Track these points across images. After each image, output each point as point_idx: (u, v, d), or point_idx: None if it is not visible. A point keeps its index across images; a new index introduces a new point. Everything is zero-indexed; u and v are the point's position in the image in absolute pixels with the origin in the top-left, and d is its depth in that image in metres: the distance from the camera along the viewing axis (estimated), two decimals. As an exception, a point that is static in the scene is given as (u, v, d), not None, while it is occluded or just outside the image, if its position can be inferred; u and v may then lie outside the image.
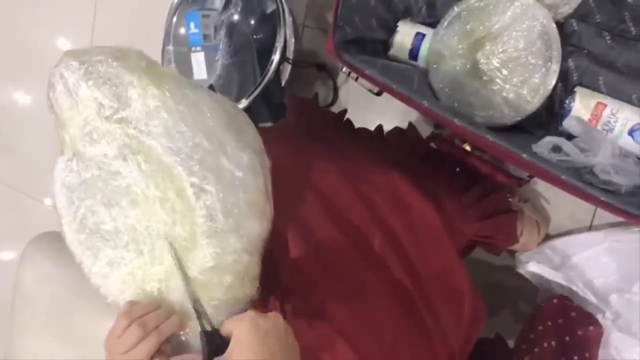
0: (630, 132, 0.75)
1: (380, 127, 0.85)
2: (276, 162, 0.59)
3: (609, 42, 0.78)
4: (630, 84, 0.77)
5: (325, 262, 0.65)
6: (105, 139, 0.57)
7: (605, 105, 0.76)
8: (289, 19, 0.99)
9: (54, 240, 0.95)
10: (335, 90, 1.01)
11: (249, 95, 0.96)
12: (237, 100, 0.98)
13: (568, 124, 0.75)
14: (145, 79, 0.52)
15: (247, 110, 0.98)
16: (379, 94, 0.81)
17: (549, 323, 0.78)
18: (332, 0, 0.80)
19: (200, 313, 0.55)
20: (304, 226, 0.64)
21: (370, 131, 0.83)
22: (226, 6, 1.03)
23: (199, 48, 1.04)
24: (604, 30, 0.78)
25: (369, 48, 0.89)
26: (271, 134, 0.73)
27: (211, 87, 0.84)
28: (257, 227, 0.57)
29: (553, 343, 0.76)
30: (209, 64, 1.04)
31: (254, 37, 1.00)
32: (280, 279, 0.64)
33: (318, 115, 0.83)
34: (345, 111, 0.88)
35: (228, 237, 0.56)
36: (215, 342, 0.54)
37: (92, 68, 0.55)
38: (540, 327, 0.80)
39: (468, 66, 0.83)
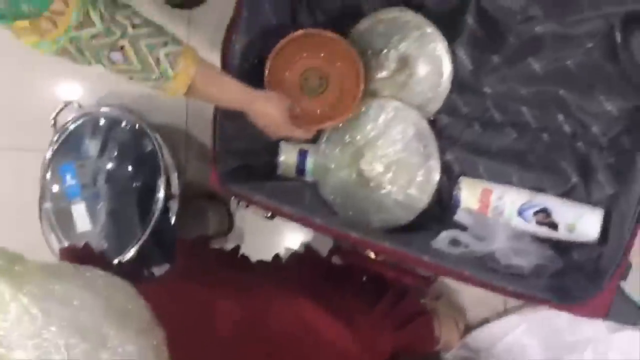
0: (520, 213, 0.77)
1: (277, 256, 0.82)
2: (170, 316, 0.53)
3: (479, 131, 0.82)
4: (508, 166, 0.80)
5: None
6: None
7: (491, 191, 0.79)
8: (168, 155, 0.97)
9: None
10: (230, 217, 0.99)
11: (137, 242, 0.92)
12: (125, 248, 0.93)
13: (460, 217, 0.76)
14: (1, 284, 0.46)
15: (138, 256, 0.93)
16: (271, 217, 0.79)
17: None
18: (209, 128, 0.79)
19: None
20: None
21: (267, 263, 0.80)
22: (102, 152, 1.00)
23: (78, 199, 0.99)
24: (473, 120, 0.82)
25: (257, 171, 0.87)
26: (163, 283, 0.68)
27: (86, 247, 0.79)
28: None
29: None
30: (92, 213, 0.99)
31: (135, 178, 0.97)
32: None
33: (210, 257, 0.80)
34: (238, 247, 0.86)
35: None
36: None
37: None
38: None
39: (354, 175, 0.83)
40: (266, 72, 0.82)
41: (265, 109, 0.72)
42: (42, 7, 0.54)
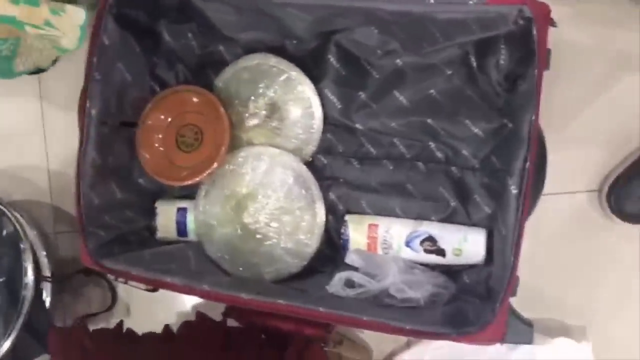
0: (407, 243, 0.77)
1: (167, 327, 0.77)
2: None
3: (358, 167, 0.82)
4: (390, 199, 0.80)
5: None
6: None
7: (377, 225, 0.78)
8: (33, 233, 0.88)
9: None
10: (113, 290, 0.92)
11: (9, 335, 0.82)
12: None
13: (350, 259, 0.75)
14: None
15: (14, 351, 0.84)
16: (154, 290, 0.74)
17: None
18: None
19: None
20: None
21: (156, 334, 0.75)
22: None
23: None
24: (350, 157, 0.82)
25: (134, 239, 0.82)
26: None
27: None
28: None
29: None
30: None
31: (-1, 264, 0.88)
32: None
33: (91, 341, 0.73)
34: (122, 322, 0.79)
35: None
36: None
37: None
38: None
39: (239, 230, 0.80)
40: (137, 138, 0.78)
41: None
42: None
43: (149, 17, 0.79)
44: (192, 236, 0.83)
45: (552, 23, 0.64)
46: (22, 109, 0.93)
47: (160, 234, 0.84)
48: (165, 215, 0.84)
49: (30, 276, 0.87)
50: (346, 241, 0.79)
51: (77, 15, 0.68)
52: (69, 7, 0.68)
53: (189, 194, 0.84)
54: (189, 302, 0.93)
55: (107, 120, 0.74)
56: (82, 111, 0.73)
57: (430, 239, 0.77)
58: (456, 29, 0.70)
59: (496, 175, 0.75)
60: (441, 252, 0.76)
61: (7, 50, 0.71)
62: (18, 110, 0.93)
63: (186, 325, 0.76)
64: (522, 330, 0.65)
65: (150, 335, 0.76)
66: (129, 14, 0.75)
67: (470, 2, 0.63)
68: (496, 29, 0.67)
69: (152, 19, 0.80)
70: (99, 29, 0.71)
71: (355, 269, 0.75)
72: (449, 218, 0.78)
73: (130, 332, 0.77)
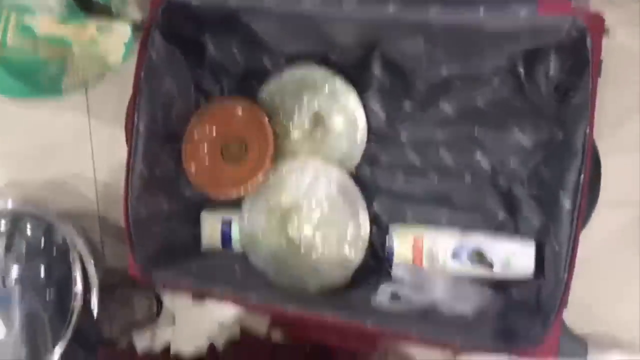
0: (454, 256, 0.76)
1: (213, 347, 0.77)
2: None
3: (402, 177, 0.81)
4: (435, 210, 0.79)
5: None
6: None
7: (422, 237, 0.77)
8: (81, 244, 0.90)
9: None
10: (158, 299, 0.93)
11: (58, 345, 0.84)
12: (46, 353, 0.84)
13: (396, 274, 0.74)
14: None
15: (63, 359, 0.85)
16: (200, 300, 0.74)
17: None
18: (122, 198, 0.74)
19: None
20: None
21: (202, 358, 0.75)
22: (8, 250, 0.92)
23: (-14, 304, 0.90)
24: (394, 169, 0.81)
25: (180, 250, 0.82)
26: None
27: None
28: None
29: None
30: (5, 319, 0.90)
31: (49, 274, 0.89)
32: None
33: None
34: (169, 347, 0.80)
35: None
36: None
37: None
38: None
39: (284, 242, 0.80)
40: (183, 151, 0.79)
41: None
42: None
43: (194, 30, 0.80)
44: (236, 247, 0.84)
45: (606, 33, 0.62)
46: (70, 122, 0.95)
47: (205, 245, 0.85)
48: (210, 226, 0.84)
49: (79, 286, 0.88)
50: (391, 253, 0.78)
51: (123, 32, 0.70)
52: (116, 25, 0.69)
53: (234, 204, 0.84)
54: (232, 313, 0.93)
55: (154, 133, 0.75)
56: (130, 125, 0.74)
57: (478, 251, 0.75)
58: (505, 40, 0.68)
59: (546, 187, 0.73)
60: (489, 265, 0.75)
61: (55, 70, 0.72)
62: (66, 123, 0.95)
63: (231, 345, 0.76)
64: (575, 346, 0.64)
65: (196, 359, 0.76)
66: (175, 28, 0.76)
67: (522, 14, 0.61)
68: (547, 39, 0.66)
69: (198, 32, 0.81)
70: (146, 44, 0.72)
71: (401, 281, 0.74)
72: (497, 230, 0.77)
73: (176, 356, 0.78)
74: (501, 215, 0.77)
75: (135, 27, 0.72)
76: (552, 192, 0.67)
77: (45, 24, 0.64)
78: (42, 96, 0.75)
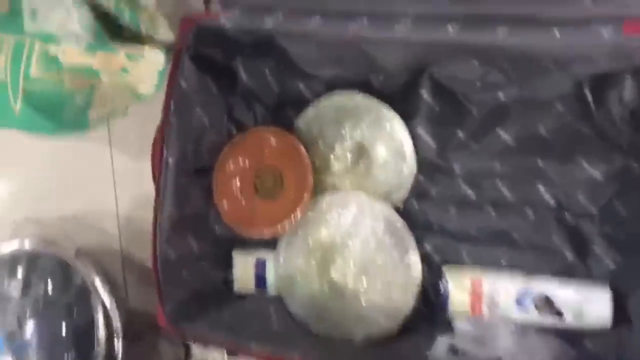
0: (518, 302, 0.68)
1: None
2: None
3: (455, 213, 0.73)
4: (494, 249, 0.71)
5: None
6: None
7: (481, 280, 0.69)
8: (103, 284, 0.83)
9: None
10: (186, 346, 0.86)
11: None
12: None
13: (454, 324, 0.66)
14: None
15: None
16: (233, 354, 0.67)
17: None
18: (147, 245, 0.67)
19: None
20: None
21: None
22: (25, 292, 0.86)
23: (2, 352, 0.84)
24: (446, 203, 0.74)
25: (211, 295, 0.75)
26: None
27: None
28: None
29: None
30: (22, 367, 0.83)
31: (69, 317, 0.83)
32: None
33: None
34: None
35: None
36: None
37: None
38: None
39: (325, 285, 0.72)
40: (214, 186, 0.73)
41: None
42: None
43: (225, 54, 0.74)
44: (272, 290, 0.76)
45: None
46: (91, 153, 0.89)
47: (237, 287, 0.77)
48: (243, 267, 0.77)
49: (101, 331, 0.81)
50: (445, 298, 0.70)
51: (156, 60, 0.63)
52: (148, 52, 0.63)
53: (268, 242, 0.77)
54: None
55: (184, 168, 0.69)
56: (158, 160, 0.67)
57: (545, 297, 0.67)
58: (577, 62, 0.61)
59: (621, 224, 0.65)
60: (558, 313, 0.67)
61: (81, 102, 0.66)
62: (87, 155, 0.89)
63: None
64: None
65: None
66: (205, 53, 0.70)
67: (605, 35, 0.54)
68: (628, 61, 0.58)
69: (229, 56, 0.75)
70: (176, 72, 0.65)
71: (460, 332, 0.67)
72: (566, 273, 0.69)
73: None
74: (569, 255, 0.69)
75: (168, 50, 0.66)
76: (629, 230, 0.60)
77: (72, 54, 0.58)
78: (66, 133, 0.69)
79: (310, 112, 0.76)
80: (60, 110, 0.64)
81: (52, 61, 0.59)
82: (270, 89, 0.77)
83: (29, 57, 0.59)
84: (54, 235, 0.90)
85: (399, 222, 0.72)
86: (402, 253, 0.71)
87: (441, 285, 0.71)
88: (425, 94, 0.71)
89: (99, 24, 0.64)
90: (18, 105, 0.60)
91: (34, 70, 0.59)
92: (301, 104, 0.77)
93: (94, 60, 0.58)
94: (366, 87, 0.74)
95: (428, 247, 0.73)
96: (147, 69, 0.63)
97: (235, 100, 0.77)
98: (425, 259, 0.73)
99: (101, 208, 0.90)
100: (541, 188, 0.70)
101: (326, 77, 0.75)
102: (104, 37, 0.62)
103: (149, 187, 0.70)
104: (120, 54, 0.60)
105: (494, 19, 0.56)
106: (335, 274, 0.72)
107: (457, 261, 0.72)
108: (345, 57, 0.69)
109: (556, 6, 0.55)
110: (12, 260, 0.87)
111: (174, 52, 0.65)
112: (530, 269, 0.70)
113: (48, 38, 0.59)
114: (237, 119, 0.78)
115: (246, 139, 0.75)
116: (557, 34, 0.55)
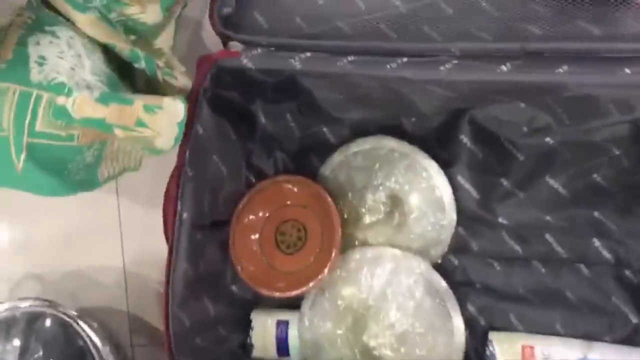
0: (577, 372, 0.60)
1: None
2: None
3: (499, 269, 0.66)
4: (545, 311, 0.64)
5: None
6: None
7: (533, 347, 0.62)
8: (106, 347, 0.76)
9: None
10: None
11: None
12: None
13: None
14: None
15: None
16: None
17: None
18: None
19: None
20: None
21: None
22: (23, 354, 0.78)
23: None
24: (489, 259, 0.66)
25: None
26: None
27: None
28: None
29: None
30: None
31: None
32: None
33: None
34: None
35: None
36: None
37: None
38: None
39: (358, 355, 0.65)
40: (231, 241, 0.66)
41: None
42: None
43: (243, 97, 0.68)
44: (295, 356, 0.68)
45: None
46: (97, 205, 0.82)
47: (256, 353, 0.69)
48: (262, 330, 0.69)
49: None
50: (492, 366, 0.62)
51: (176, 111, 0.57)
52: (167, 102, 0.56)
53: (291, 302, 0.70)
54: None
55: (199, 223, 0.62)
56: (171, 214, 0.61)
57: (608, 367, 0.60)
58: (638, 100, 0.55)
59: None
60: (625, 386, 0.59)
61: (90, 158, 0.59)
62: (92, 207, 0.82)
63: None
64: None
65: None
66: (223, 96, 0.64)
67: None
68: None
69: (247, 99, 0.69)
70: (193, 117, 0.59)
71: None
72: (630, 338, 0.61)
73: None
74: (634, 318, 0.61)
75: (185, 98, 0.59)
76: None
77: (83, 105, 0.52)
78: (73, 193, 0.62)
79: (336, 159, 0.69)
80: (68, 169, 0.58)
81: (60, 114, 0.53)
82: (292, 134, 0.71)
83: (34, 110, 0.53)
84: (56, 291, 0.83)
85: (440, 281, 0.65)
86: (445, 317, 0.64)
87: (487, 353, 0.63)
88: (465, 138, 0.65)
89: (112, 71, 0.58)
90: (21, 163, 0.54)
91: (40, 124, 0.53)
92: (325, 149, 0.70)
93: (108, 112, 0.52)
94: (397, 131, 0.68)
95: (472, 308, 0.65)
96: (165, 121, 0.56)
97: (254, 146, 0.71)
98: (468, 321, 0.65)
99: (107, 264, 0.83)
100: (596, 242, 0.63)
101: (352, 120, 0.69)
102: (118, 85, 0.56)
103: (160, 243, 0.64)
104: (137, 106, 0.54)
105: (554, 57, 0.50)
106: (369, 341, 0.64)
107: (505, 325, 0.65)
108: (375, 99, 0.63)
109: (625, 43, 0.49)
110: (9, 322, 0.80)
111: (190, 95, 0.59)
112: (589, 334, 0.62)
113: (57, 88, 0.53)
114: (256, 166, 0.71)
115: (266, 189, 0.69)
116: (627, 71, 0.49)
